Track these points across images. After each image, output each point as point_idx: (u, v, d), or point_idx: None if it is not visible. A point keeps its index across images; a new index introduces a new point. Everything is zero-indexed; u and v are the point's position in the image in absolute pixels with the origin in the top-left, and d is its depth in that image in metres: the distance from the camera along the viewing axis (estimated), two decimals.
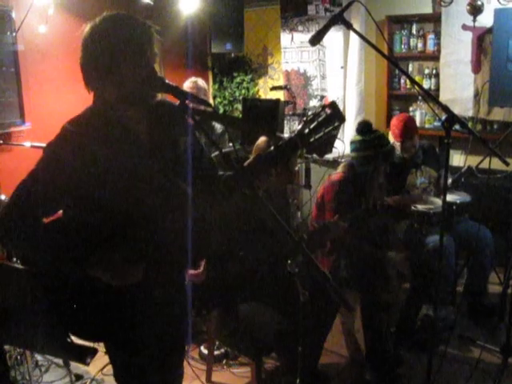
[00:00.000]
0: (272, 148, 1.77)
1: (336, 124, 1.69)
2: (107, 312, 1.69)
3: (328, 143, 4.09)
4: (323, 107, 1.70)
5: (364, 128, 3.08)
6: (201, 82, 4.07)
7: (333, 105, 1.69)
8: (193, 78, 4.07)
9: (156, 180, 1.68)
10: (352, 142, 3.12)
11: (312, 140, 1.70)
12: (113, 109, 1.64)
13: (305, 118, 1.70)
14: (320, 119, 1.69)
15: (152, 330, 1.78)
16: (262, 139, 2.81)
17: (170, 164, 1.72)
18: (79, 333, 1.72)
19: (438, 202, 3.43)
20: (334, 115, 1.68)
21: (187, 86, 4.01)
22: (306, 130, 1.70)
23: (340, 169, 3.18)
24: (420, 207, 3.40)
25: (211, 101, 5.67)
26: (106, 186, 1.60)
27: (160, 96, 1.72)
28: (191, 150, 1.77)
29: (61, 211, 1.69)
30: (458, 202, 3.47)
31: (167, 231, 1.66)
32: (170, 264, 1.74)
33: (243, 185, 1.65)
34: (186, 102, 1.58)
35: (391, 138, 3.63)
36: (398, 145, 3.58)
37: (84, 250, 1.61)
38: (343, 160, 3.49)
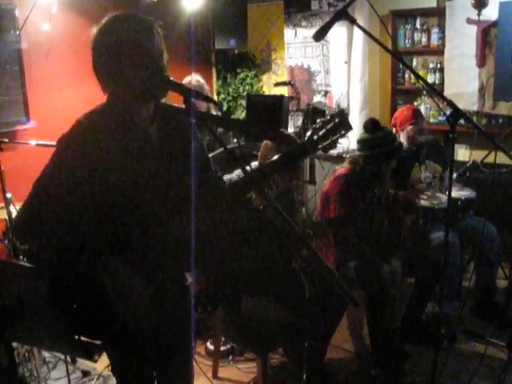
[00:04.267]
0: (280, 154, 1.81)
1: (343, 132, 1.75)
2: (105, 311, 1.70)
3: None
4: (332, 116, 1.76)
5: (371, 126, 3.06)
6: (195, 81, 3.94)
7: (341, 114, 1.76)
8: (187, 78, 3.97)
9: (164, 181, 1.71)
10: (359, 141, 3.10)
11: (320, 147, 1.76)
12: (125, 107, 1.67)
13: (314, 126, 1.76)
14: (328, 127, 1.75)
15: (150, 330, 1.79)
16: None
17: (179, 168, 1.75)
18: (78, 330, 1.74)
19: (443, 197, 3.42)
20: (341, 124, 1.75)
21: None
22: (315, 137, 1.76)
23: (346, 163, 3.16)
24: (425, 203, 3.38)
25: (214, 97, 5.65)
26: (116, 182, 1.62)
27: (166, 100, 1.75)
28: (199, 158, 1.82)
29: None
30: (463, 197, 3.46)
31: (172, 233, 1.69)
32: (174, 265, 1.77)
33: (252, 190, 1.69)
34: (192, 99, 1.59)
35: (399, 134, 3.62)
36: (406, 132, 3.55)
37: (95, 249, 1.63)
38: (348, 156, 3.48)
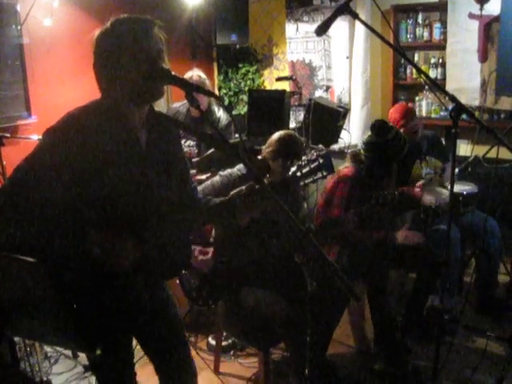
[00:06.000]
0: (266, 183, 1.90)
1: (324, 174, 1.84)
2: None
3: (334, 134, 4.09)
4: (318, 156, 1.84)
5: (380, 129, 3.00)
6: (196, 76, 3.89)
7: (326, 156, 1.84)
8: (188, 73, 3.92)
9: (146, 185, 1.74)
10: (368, 143, 3.03)
11: (301, 184, 1.87)
12: (119, 108, 1.68)
13: (299, 163, 1.86)
14: (312, 166, 1.84)
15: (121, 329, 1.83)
16: (275, 135, 2.80)
17: (162, 175, 1.79)
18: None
19: (445, 192, 3.41)
20: (324, 165, 1.83)
21: None
22: (298, 174, 1.86)
23: (349, 162, 3.13)
24: (430, 199, 3.36)
25: (216, 92, 5.64)
26: (98, 178, 1.63)
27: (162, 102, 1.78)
28: (181, 169, 1.92)
29: None
30: (465, 193, 3.45)
31: (151, 239, 1.72)
32: (153, 270, 1.79)
33: (230, 216, 1.85)
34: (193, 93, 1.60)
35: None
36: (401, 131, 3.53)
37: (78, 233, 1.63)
38: (349, 151, 3.47)
